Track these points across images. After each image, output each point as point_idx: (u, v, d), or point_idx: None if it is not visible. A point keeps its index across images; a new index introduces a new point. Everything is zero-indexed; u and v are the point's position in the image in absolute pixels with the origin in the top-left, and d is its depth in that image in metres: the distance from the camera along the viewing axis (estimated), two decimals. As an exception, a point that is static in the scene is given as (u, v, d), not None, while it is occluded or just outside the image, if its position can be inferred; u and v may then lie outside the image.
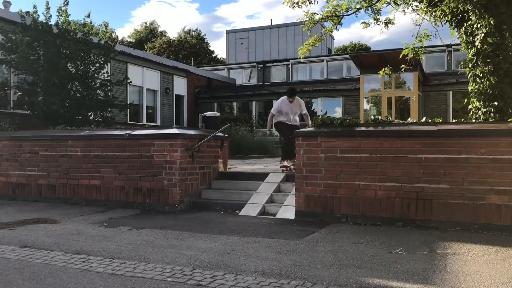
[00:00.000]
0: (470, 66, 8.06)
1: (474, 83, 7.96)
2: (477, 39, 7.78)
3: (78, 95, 12.05)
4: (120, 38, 44.90)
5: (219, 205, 7.30)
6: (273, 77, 25.97)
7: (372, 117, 8.79)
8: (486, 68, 7.69)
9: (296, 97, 8.42)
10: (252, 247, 4.76)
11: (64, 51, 11.77)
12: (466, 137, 5.64)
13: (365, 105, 20.17)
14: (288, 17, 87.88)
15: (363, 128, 6.31)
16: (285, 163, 8.18)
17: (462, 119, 9.23)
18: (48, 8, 12.08)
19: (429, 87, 19.60)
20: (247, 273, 3.84)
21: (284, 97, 8.39)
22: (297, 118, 8.62)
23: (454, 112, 18.77)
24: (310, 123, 8.52)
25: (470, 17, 7.98)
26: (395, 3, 9.25)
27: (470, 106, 8.13)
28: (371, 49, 39.49)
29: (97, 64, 12.38)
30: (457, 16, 8.36)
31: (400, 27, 37.98)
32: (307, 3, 9.55)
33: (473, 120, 7.73)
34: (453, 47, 19.92)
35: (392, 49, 21.41)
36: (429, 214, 5.70)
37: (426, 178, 5.74)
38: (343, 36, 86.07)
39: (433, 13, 8.66)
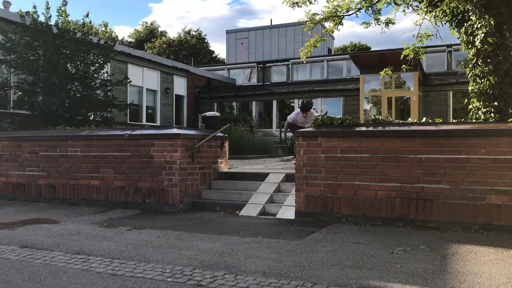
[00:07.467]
0: (470, 66, 8.06)
1: (474, 83, 7.95)
2: (477, 39, 7.78)
3: (78, 95, 12.04)
4: (120, 38, 44.88)
5: (219, 205, 7.30)
6: (273, 77, 25.94)
7: (372, 117, 8.82)
8: (486, 68, 7.69)
9: (311, 110, 9.66)
10: (252, 247, 4.76)
11: (63, 51, 11.77)
12: (466, 137, 5.64)
13: (365, 105, 20.16)
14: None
15: (363, 128, 6.30)
16: None
17: (462, 119, 9.23)
18: (48, 8, 12.09)
19: (429, 87, 19.59)
20: (247, 273, 3.84)
21: (299, 110, 9.47)
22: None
23: (454, 112, 18.78)
24: None
25: (470, 17, 7.98)
26: (395, 3, 9.25)
27: (470, 106, 8.12)
28: (371, 49, 39.50)
29: (97, 64, 12.38)
30: (457, 16, 8.36)
31: (425, 22, 37.67)
32: (307, 3, 9.55)
33: (473, 120, 7.73)
34: (453, 47, 19.92)
35: (392, 49, 21.42)
36: (429, 214, 5.70)
37: (426, 178, 5.73)
38: (368, 29, 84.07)
39: (433, 13, 8.66)
